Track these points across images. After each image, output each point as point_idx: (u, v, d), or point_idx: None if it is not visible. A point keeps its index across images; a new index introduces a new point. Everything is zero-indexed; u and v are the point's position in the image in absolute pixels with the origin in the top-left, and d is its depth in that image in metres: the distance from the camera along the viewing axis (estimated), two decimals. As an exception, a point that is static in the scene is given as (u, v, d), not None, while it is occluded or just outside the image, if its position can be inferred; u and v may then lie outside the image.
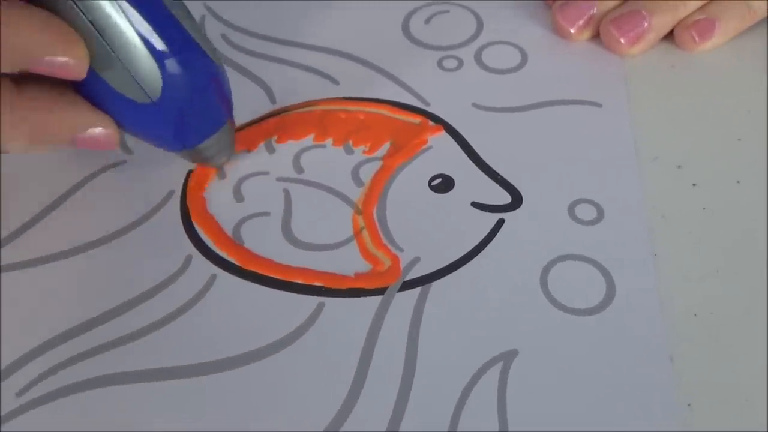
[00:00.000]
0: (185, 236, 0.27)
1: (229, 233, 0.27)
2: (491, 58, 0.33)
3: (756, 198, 0.28)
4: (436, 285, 0.25)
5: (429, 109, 0.31)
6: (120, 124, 0.25)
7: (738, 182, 0.28)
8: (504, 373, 0.23)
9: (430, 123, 0.30)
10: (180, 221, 0.27)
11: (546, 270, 0.26)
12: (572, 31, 0.34)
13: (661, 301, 0.25)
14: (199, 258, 0.26)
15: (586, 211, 0.27)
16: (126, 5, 0.22)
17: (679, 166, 0.29)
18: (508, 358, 0.23)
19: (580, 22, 0.34)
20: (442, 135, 0.30)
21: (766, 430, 0.22)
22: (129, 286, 0.25)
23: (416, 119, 0.31)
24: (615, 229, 0.27)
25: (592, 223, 0.27)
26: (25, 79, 0.23)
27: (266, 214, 0.27)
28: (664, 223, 0.27)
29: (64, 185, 0.28)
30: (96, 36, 0.22)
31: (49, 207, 0.28)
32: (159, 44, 0.23)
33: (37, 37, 0.21)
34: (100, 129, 0.24)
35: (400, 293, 0.25)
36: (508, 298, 0.25)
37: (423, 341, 0.24)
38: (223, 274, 0.26)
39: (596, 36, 0.34)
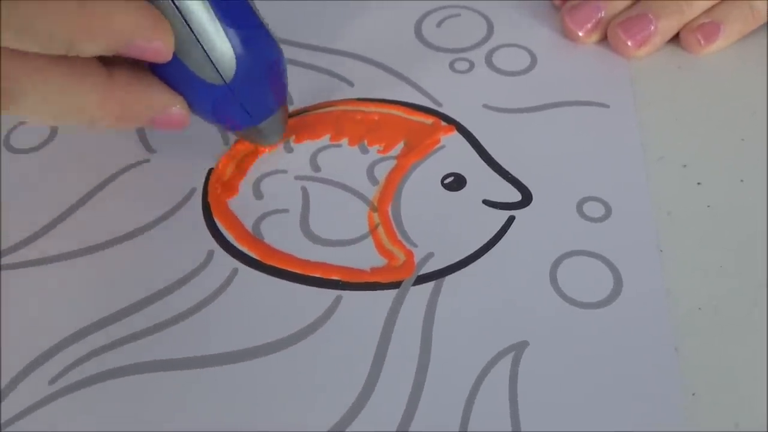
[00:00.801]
0: (207, 232, 0.28)
1: (250, 229, 0.28)
2: (501, 60, 0.34)
3: (759, 196, 0.28)
4: (449, 279, 0.26)
5: (441, 110, 0.32)
6: (190, 105, 0.26)
7: (741, 181, 0.29)
8: (515, 363, 0.24)
9: (443, 123, 0.31)
10: (202, 217, 0.28)
11: (555, 265, 0.26)
12: (580, 34, 0.35)
13: (666, 295, 0.25)
14: (220, 253, 0.27)
15: (594, 209, 0.28)
16: None
17: (684, 165, 0.30)
18: (519, 349, 0.24)
19: (588, 26, 0.35)
20: (454, 135, 0.31)
21: (765, 415, 0.23)
22: (154, 280, 0.26)
23: (429, 120, 0.32)
24: (622, 226, 0.27)
25: (600, 220, 0.28)
26: (111, 62, 0.24)
27: (285, 210, 0.28)
28: (670, 220, 0.28)
29: (90, 183, 0.29)
30: (180, 20, 0.24)
31: (75, 204, 0.29)
32: (235, 29, 0.25)
33: (132, 22, 0.22)
34: (176, 109, 0.26)
35: (414, 287, 0.26)
36: (518, 292, 0.26)
37: (437, 332, 0.25)
38: (244, 268, 0.27)
39: (604, 39, 0.35)
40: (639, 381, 0.23)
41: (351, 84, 0.33)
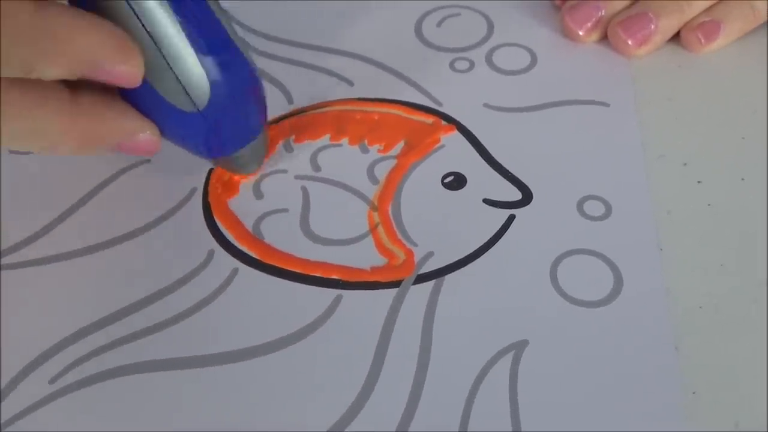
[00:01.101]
0: (207, 232, 0.28)
1: (250, 229, 0.28)
2: (502, 59, 0.34)
3: (759, 195, 0.28)
4: (449, 278, 0.26)
5: (441, 110, 0.32)
6: (161, 131, 0.25)
7: (742, 179, 0.29)
8: (515, 362, 0.24)
9: (443, 123, 0.31)
10: (202, 217, 0.28)
11: (555, 264, 0.26)
12: (581, 33, 0.35)
13: (667, 293, 0.25)
14: (221, 252, 0.27)
15: (594, 207, 0.28)
16: (181, 18, 0.23)
17: (684, 164, 0.30)
18: (519, 347, 0.24)
19: (589, 25, 0.35)
20: (455, 134, 0.31)
21: (765, 413, 0.23)
22: (154, 280, 0.26)
23: (429, 119, 0.32)
24: (622, 224, 0.27)
25: (600, 218, 0.28)
26: (77, 85, 0.23)
27: (285, 210, 0.28)
28: (670, 218, 0.28)
29: (90, 183, 0.29)
30: (151, 45, 0.23)
31: (75, 204, 0.29)
32: (210, 55, 0.24)
33: (98, 45, 0.21)
34: (144, 135, 0.25)
35: (414, 286, 0.26)
36: (518, 290, 0.26)
37: (437, 331, 0.25)
38: (244, 268, 0.27)
39: (604, 38, 0.35)
40: (639, 380, 0.23)
41: (351, 83, 0.33)
